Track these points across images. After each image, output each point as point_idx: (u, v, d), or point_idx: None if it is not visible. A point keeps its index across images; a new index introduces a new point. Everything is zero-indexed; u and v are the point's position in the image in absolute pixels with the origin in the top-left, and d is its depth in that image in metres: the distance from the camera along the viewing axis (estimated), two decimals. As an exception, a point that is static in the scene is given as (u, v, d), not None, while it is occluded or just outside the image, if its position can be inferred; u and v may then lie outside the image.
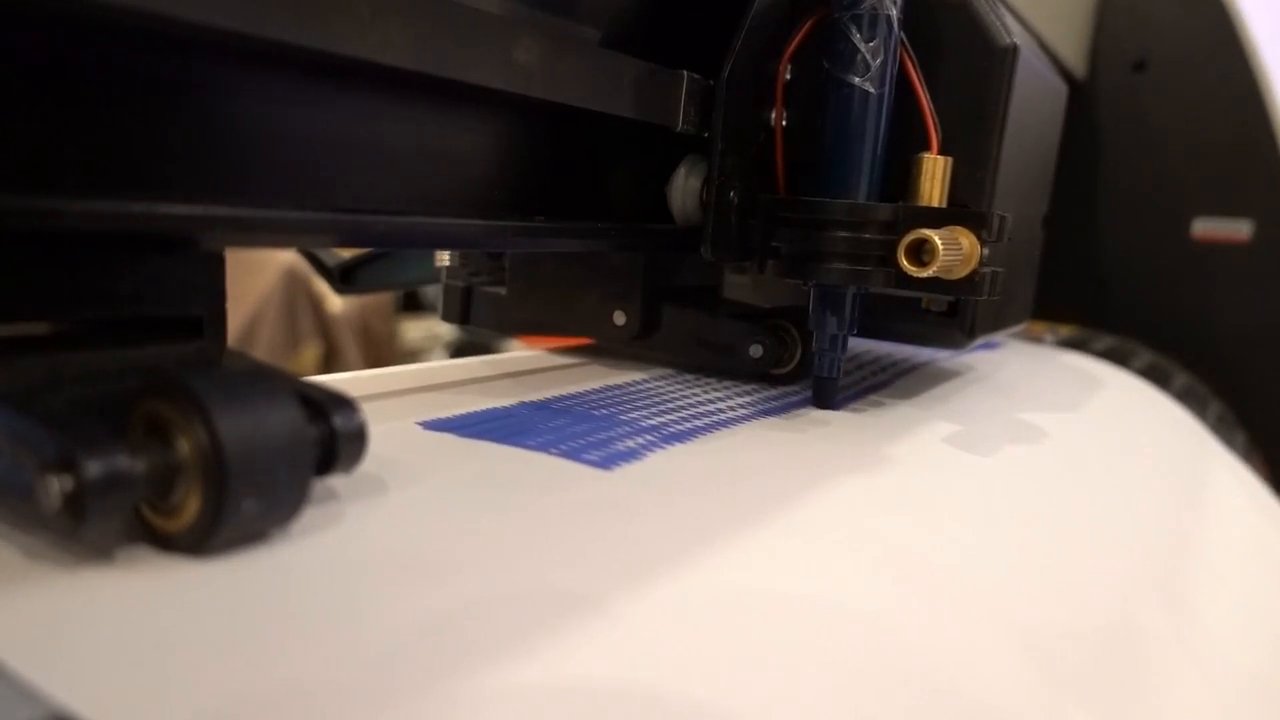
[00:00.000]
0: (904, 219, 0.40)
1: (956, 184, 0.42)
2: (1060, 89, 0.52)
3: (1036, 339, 0.87)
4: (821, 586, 0.26)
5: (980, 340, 0.46)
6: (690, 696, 0.20)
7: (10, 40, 0.22)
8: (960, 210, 0.40)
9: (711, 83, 0.41)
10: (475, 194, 0.37)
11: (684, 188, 0.44)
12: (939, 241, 0.36)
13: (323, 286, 1.47)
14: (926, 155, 0.41)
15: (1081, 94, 0.89)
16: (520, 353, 0.54)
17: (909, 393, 0.51)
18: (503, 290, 0.52)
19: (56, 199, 0.22)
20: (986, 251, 0.40)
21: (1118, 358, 0.82)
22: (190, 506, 0.21)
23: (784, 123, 0.44)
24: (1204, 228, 0.87)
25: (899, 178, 0.42)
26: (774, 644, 0.22)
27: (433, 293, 1.37)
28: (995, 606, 0.28)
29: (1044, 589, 0.31)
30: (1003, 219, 0.40)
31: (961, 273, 0.39)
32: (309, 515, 0.25)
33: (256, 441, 0.22)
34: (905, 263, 0.38)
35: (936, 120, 0.42)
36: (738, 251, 0.43)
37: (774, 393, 0.47)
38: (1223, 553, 0.46)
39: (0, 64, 0.22)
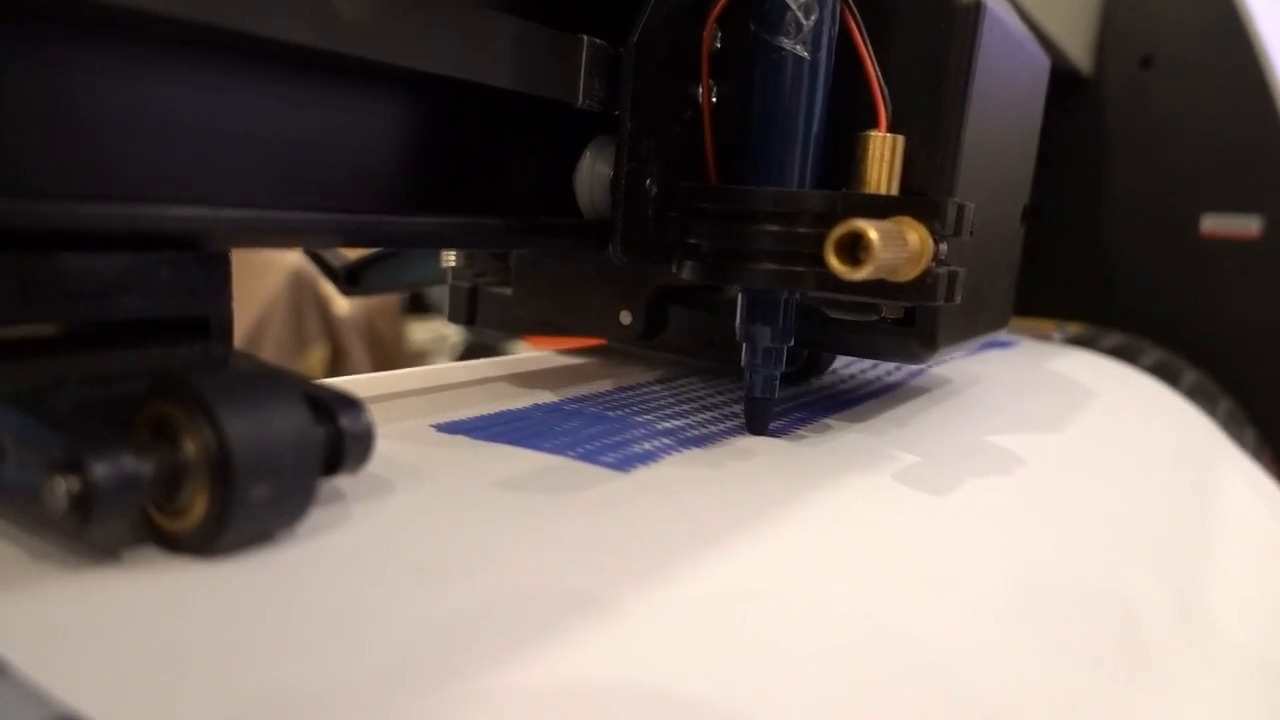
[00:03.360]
0: (842, 209, 0.29)
1: (912, 169, 0.32)
2: (1042, 62, 0.41)
3: (1044, 336, 0.81)
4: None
5: (944, 354, 0.35)
6: (702, 698, 0.19)
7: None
8: (908, 198, 0.30)
9: (621, 50, 0.31)
10: (347, 184, 0.30)
11: (591, 174, 0.34)
12: (874, 235, 0.27)
13: (329, 289, 1.39)
14: (873, 134, 0.32)
15: (1088, 90, 0.82)
16: (528, 354, 0.51)
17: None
18: (508, 290, 0.47)
19: (62, 203, 0.21)
20: (943, 248, 0.29)
21: (1126, 355, 0.77)
22: (197, 507, 0.20)
23: (714, 99, 0.33)
24: (1213, 224, 0.80)
25: (843, 162, 0.32)
26: (787, 646, 0.21)
27: (439, 294, 1.30)
28: (1000, 608, 0.26)
29: (1051, 591, 0.29)
30: (962, 209, 0.30)
31: (910, 273, 0.29)
32: (316, 516, 0.23)
33: (263, 442, 0.20)
34: (834, 261, 0.28)
35: (885, 92, 0.32)
36: (656, 250, 0.33)
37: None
38: (1233, 551, 0.43)
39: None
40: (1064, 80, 0.79)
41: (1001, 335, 0.76)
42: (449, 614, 0.20)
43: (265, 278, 1.40)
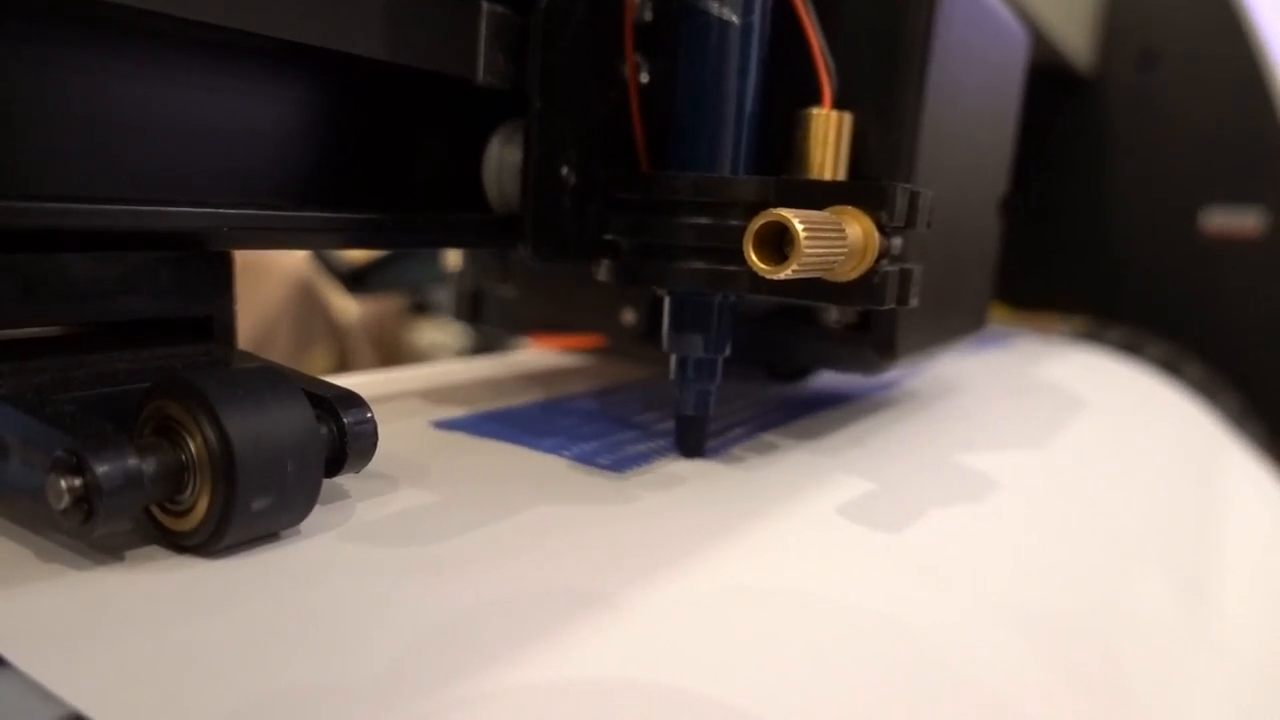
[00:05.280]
0: (774, 197, 0.23)
1: (863, 151, 0.27)
2: (1018, 34, 0.34)
3: (1048, 331, 0.77)
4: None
5: (906, 363, 0.29)
6: (705, 695, 0.17)
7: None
8: (849, 184, 0.24)
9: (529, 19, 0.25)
10: (234, 177, 0.25)
11: (499, 163, 0.28)
12: (799, 227, 0.21)
13: (336, 294, 1.33)
14: (816, 111, 0.25)
15: (1090, 86, 0.78)
16: (530, 353, 0.49)
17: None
18: (513, 289, 0.44)
19: (66, 203, 0.20)
20: (896, 242, 0.23)
21: (1131, 350, 0.74)
22: (200, 506, 0.19)
23: (644, 77, 0.27)
24: (1216, 219, 0.76)
25: (785, 144, 0.27)
26: (787, 643, 0.19)
27: (444, 297, 1.26)
28: (1003, 606, 0.24)
29: (1055, 587, 0.27)
30: (915, 196, 0.24)
31: (851, 271, 0.23)
32: (319, 514, 0.22)
33: (265, 440, 0.19)
34: (754, 257, 0.22)
35: (830, 63, 0.26)
36: (574, 248, 0.27)
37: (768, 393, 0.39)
38: (1237, 548, 0.41)
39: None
40: (1066, 77, 0.77)
41: (997, 330, 0.72)
42: (452, 613, 0.18)
43: (268, 283, 1.35)
